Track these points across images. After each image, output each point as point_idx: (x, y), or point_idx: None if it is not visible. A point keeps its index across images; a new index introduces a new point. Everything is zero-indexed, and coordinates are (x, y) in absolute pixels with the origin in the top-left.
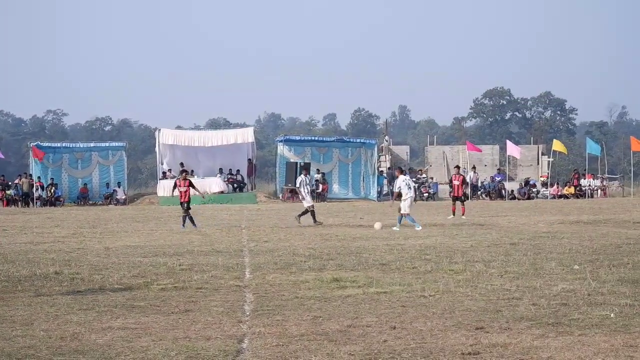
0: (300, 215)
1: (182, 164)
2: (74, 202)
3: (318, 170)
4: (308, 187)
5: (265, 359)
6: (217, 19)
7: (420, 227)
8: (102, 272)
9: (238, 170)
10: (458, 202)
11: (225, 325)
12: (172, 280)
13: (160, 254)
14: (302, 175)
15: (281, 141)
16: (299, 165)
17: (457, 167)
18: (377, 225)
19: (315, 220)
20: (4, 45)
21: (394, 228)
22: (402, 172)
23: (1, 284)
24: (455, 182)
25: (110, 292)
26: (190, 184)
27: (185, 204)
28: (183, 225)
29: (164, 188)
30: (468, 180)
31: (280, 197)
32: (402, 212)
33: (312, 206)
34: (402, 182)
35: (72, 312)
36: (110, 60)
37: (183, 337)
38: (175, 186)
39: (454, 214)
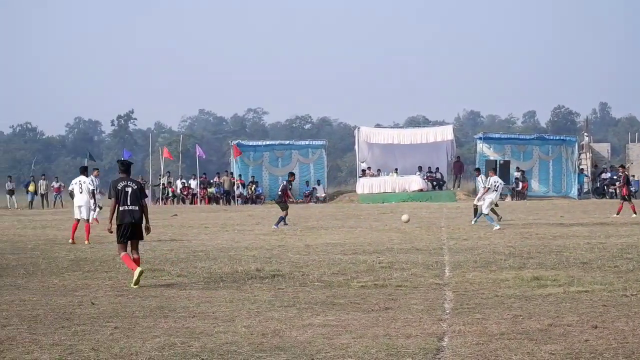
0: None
1: None
2: (274, 200)
3: (518, 168)
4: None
5: (465, 357)
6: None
7: (499, 227)
8: (302, 270)
9: (437, 168)
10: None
11: (425, 323)
12: (372, 278)
13: (360, 252)
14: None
15: (480, 139)
16: (498, 163)
17: (622, 166)
18: (405, 218)
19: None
20: (204, 49)
21: (495, 227)
22: (494, 172)
23: (204, 281)
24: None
25: (311, 289)
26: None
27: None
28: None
29: (364, 186)
30: None
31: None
32: (483, 210)
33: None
34: (493, 182)
35: (273, 309)
36: (311, 58)
37: (383, 335)
38: None
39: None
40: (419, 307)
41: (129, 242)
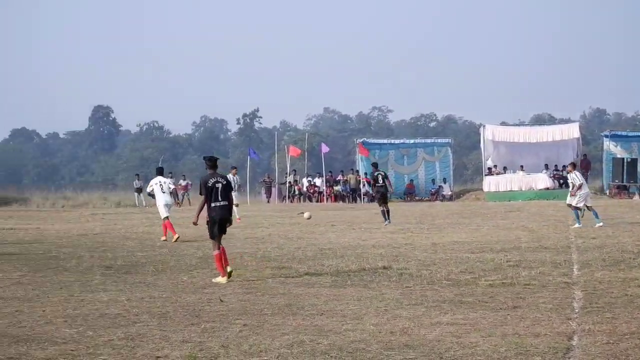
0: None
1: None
2: (401, 198)
3: None
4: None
5: (595, 356)
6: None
7: (580, 225)
8: (429, 268)
9: (564, 166)
10: None
11: (554, 322)
12: (499, 277)
13: (487, 250)
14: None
15: (607, 137)
16: (625, 162)
17: None
18: (306, 215)
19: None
20: (329, 47)
21: (598, 224)
22: (574, 167)
23: (331, 279)
24: None
25: (439, 287)
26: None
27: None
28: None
29: (490, 184)
30: None
31: (607, 194)
32: (574, 204)
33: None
34: (575, 177)
35: (401, 307)
36: (436, 56)
37: (512, 334)
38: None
39: None
40: (547, 306)
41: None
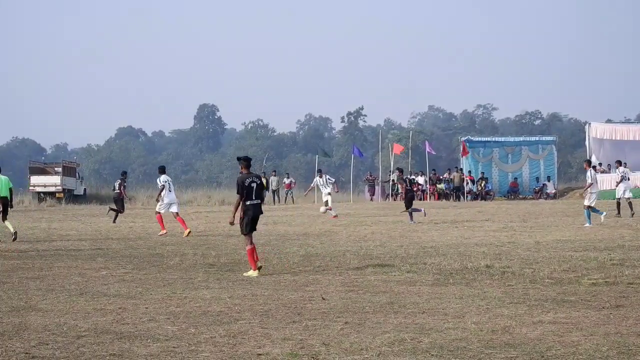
0: None
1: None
2: (504, 196)
3: None
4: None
5: None
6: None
7: (590, 225)
8: (532, 266)
9: None
10: None
11: None
12: (602, 275)
13: (590, 249)
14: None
15: None
16: None
17: None
18: (322, 209)
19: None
20: (431, 43)
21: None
22: (589, 164)
23: (433, 277)
24: None
25: (541, 286)
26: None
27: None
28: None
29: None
30: None
31: None
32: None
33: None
34: (592, 175)
35: (503, 305)
36: (540, 53)
37: (614, 333)
38: None
39: None
40: None
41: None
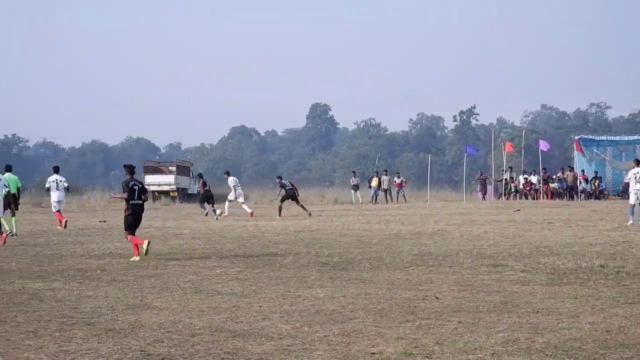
0: None
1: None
2: (618, 195)
3: None
4: None
5: None
6: None
7: (631, 222)
8: None
9: None
10: None
11: None
12: None
13: None
14: None
15: None
16: None
17: None
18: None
19: None
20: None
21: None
22: (638, 163)
23: (547, 277)
24: None
25: None
26: None
27: None
28: None
29: None
30: None
31: None
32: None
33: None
34: (632, 174)
35: (618, 305)
36: None
37: None
38: None
39: None
40: None
41: None
